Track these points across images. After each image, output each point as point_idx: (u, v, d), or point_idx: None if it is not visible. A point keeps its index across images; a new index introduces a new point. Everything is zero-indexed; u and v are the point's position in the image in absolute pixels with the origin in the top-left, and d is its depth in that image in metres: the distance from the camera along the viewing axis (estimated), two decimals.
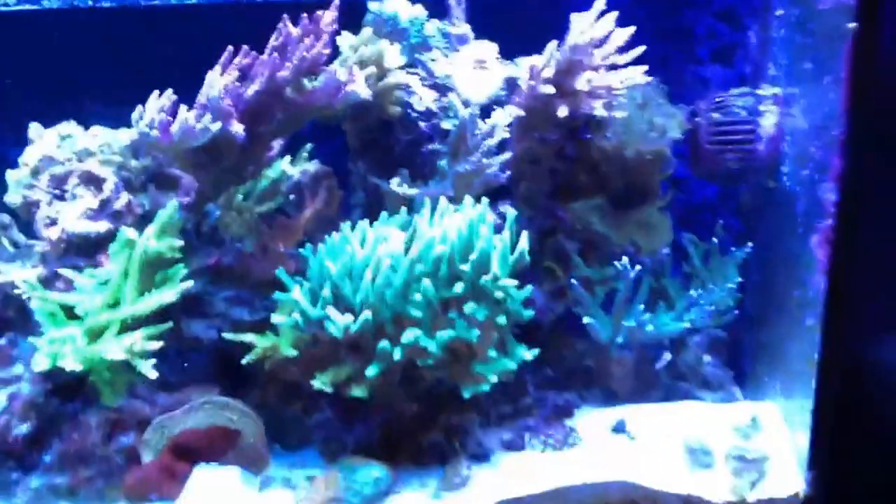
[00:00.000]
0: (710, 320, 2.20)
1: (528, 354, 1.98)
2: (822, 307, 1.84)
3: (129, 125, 2.01)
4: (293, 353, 1.94)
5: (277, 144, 2.10)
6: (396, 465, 1.99)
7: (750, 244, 2.22)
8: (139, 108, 1.90)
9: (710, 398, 2.26)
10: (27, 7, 2.29)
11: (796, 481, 1.93)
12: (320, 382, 1.91)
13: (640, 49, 2.03)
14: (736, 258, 2.21)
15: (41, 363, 1.91)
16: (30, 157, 2.08)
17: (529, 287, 1.94)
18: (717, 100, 2.21)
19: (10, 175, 2.10)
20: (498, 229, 1.95)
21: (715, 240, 2.25)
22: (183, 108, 1.92)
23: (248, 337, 1.97)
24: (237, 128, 1.91)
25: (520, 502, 1.91)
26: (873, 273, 1.87)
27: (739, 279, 2.22)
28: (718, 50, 2.44)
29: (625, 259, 2.14)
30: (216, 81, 1.86)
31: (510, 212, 1.98)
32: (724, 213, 2.34)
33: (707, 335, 2.30)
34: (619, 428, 2.12)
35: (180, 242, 1.99)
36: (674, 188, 2.32)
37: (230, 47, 1.93)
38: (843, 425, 1.90)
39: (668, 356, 2.27)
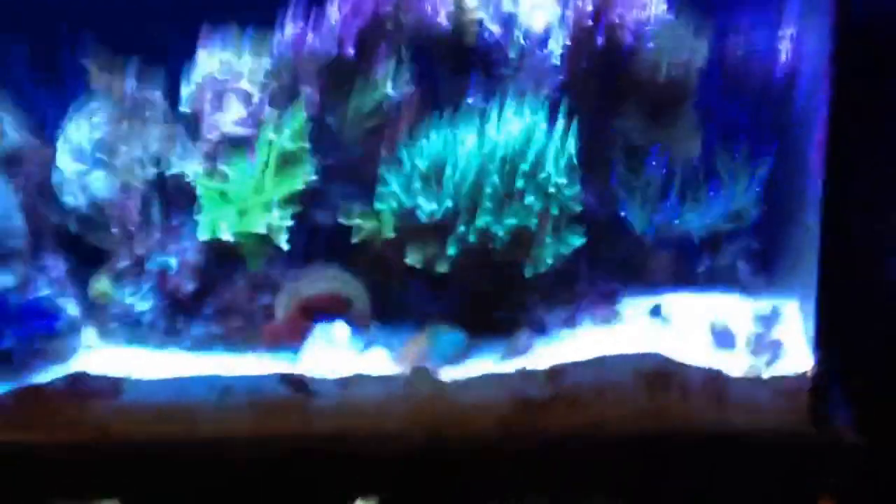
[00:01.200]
0: (732, 220, 2.47)
1: (578, 241, 2.30)
2: (820, 206, 2.08)
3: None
4: (391, 234, 2.32)
5: (382, 67, 2.43)
6: (472, 334, 2.30)
7: (771, 159, 2.46)
8: (277, 34, 2.35)
9: (741, 296, 2.48)
10: None
11: (806, 362, 2.13)
12: (412, 259, 2.29)
13: None
14: (758, 170, 2.46)
15: (203, 234, 2.35)
16: (198, 75, 2.51)
17: (577, 186, 2.26)
18: (741, 36, 2.47)
19: (183, 90, 2.53)
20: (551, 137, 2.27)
21: (740, 154, 2.48)
22: (310, 33, 2.33)
23: (357, 220, 2.37)
24: (350, 50, 2.32)
25: (569, 366, 2.16)
26: (860, 173, 2.09)
27: (759, 188, 2.46)
28: None
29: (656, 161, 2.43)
30: (335, 13, 2.30)
31: (561, 122, 2.28)
32: (753, 136, 2.53)
33: (741, 244, 2.55)
34: (655, 311, 2.40)
35: (307, 144, 2.40)
36: (708, 113, 2.56)
37: None
38: (843, 311, 2.11)
39: (705, 260, 2.54)
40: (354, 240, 2.36)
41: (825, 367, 2.09)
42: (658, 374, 2.15)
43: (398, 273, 2.39)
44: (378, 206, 2.34)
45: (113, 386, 2.24)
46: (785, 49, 2.40)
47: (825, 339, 2.10)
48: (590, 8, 2.34)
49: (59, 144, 2.57)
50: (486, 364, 2.23)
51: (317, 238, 2.46)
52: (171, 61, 2.54)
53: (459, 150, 2.25)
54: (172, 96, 2.57)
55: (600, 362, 2.16)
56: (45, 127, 2.63)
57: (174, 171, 2.52)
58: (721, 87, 2.51)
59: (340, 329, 2.32)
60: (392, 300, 2.44)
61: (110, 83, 2.56)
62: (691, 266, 2.54)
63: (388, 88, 2.41)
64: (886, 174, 2.05)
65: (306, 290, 2.39)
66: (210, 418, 2.23)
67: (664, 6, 2.36)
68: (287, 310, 2.38)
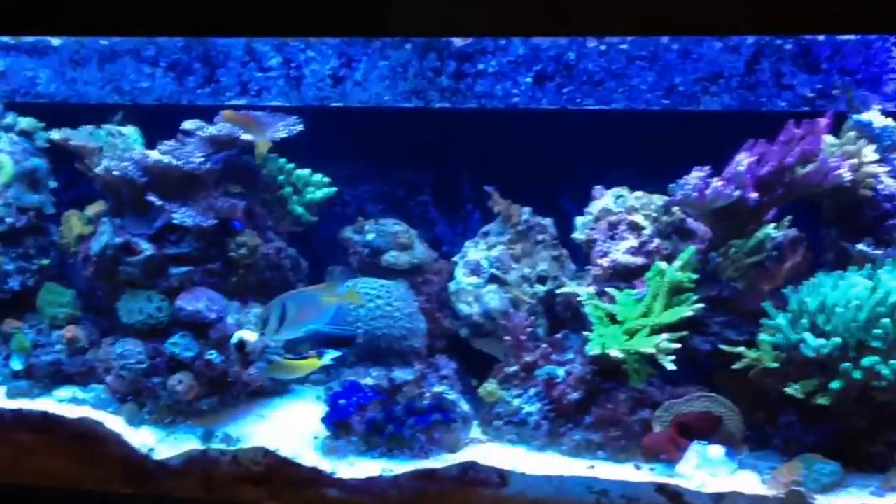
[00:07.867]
0: None
1: None
2: None
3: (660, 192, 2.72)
4: (774, 365, 2.44)
5: (772, 210, 2.61)
6: (845, 466, 2.37)
7: None
8: (684, 178, 2.57)
9: None
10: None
11: None
12: (793, 390, 2.39)
13: None
14: None
15: (593, 350, 2.55)
16: (594, 208, 2.79)
17: None
18: None
19: (578, 220, 2.82)
20: None
21: None
22: (715, 178, 2.54)
23: (741, 349, 2.50)
24: (753, 195, 2.50)
25: None
26: None
27: None
28: None
29: None
30: (742, 160, 2.49)
31: None
32: None
33: None
34: None
35: (695, 276, 2.59)
36: None
37: (751, 140, 2.54)
38: None
39: None
40: (736, 367, 2.50)
41: None
42: None
43: (773, 401, 2.51)
44: (762, 337, 2.48)
45: (500, 478, 2.48)
46: None
47: None
48: None
49: (458, 259, 2.92)
50: (860, 497, 2.30)
51: (695, 362, 2.61)
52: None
53: (850, 293, 2.36)
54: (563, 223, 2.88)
55: None
56: (443, 244, 2.99)
57: (564, 290, 2.77)
58: None
59: (715, 449, 2.45)
60: (764, 427, 2.56)
61: (508, 208, 2.88)
62: None
63: (772, 230, 2.59)
64: None
65: (684, 408, 2.55)
66: None
67: None
68: (664, 426, 2.53)
